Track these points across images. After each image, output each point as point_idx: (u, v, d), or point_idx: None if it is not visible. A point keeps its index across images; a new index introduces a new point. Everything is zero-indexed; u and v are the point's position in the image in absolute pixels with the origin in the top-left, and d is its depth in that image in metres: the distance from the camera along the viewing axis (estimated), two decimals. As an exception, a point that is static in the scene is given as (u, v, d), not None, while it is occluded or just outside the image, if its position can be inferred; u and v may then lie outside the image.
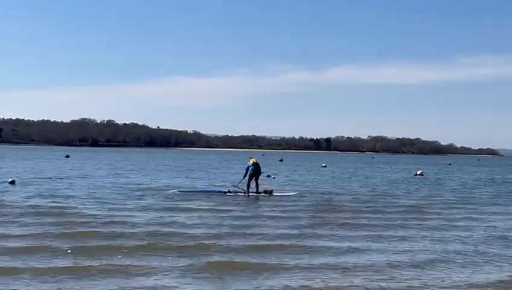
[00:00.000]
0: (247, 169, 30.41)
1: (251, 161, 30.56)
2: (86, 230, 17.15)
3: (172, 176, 47.43)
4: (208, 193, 30.37)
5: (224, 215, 21.71)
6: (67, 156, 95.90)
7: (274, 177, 44.32)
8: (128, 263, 13.02)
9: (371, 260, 13.86)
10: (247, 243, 15.74)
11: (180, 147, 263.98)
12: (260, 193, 29.99)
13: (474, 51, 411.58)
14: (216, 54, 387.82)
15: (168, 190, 31.90)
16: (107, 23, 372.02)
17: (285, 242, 15.91)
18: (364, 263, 13.58)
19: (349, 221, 20.62)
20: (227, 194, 29.84)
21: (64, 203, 24.05)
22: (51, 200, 24.78)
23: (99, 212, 21.17)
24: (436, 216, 22.96)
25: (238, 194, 29.77)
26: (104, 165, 66.67)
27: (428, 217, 22.68)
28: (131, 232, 16.84)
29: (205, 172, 56.70)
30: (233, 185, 30.81)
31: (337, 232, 18.19)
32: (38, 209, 21.74)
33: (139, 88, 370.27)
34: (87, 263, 12.90)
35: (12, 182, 33.92)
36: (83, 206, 22.80)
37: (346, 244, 15.97)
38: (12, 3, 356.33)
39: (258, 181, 30.50)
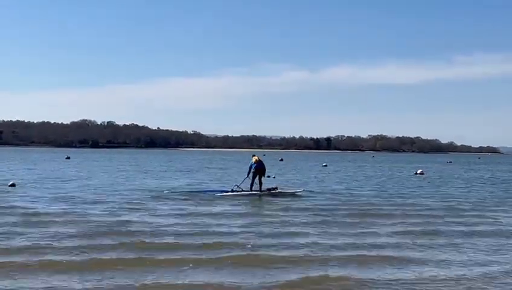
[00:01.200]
0: (250, 167, 30.28)
1: (254, 159, 30.43)
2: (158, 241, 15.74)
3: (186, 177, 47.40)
4: (211, 193, 30.18)
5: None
6: (68, 158, 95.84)
7: (274, 177, 44.26)
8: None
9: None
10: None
11: (181, 147, 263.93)
12: (264, 191, 29.87)
13: (473, 50, 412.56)
14: (215, 54, 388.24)
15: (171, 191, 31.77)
16: (107, 24, 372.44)
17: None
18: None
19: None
20: (232, 193, 29.63)
21: (98, 209, 22.61)
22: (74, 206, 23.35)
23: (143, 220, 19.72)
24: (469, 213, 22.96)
25: (241, 193, 29.52)
26: (118, 167, 66.63)
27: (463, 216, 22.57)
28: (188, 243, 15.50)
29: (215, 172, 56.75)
30: (236, 185, 30.69)
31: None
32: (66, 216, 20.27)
33: (139, 89, 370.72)
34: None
35: (13, 185, 33.80)
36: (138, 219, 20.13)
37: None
38: (12, 4, 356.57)
39: (262, 180, 30.34)
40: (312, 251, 14.65)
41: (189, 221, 19.60)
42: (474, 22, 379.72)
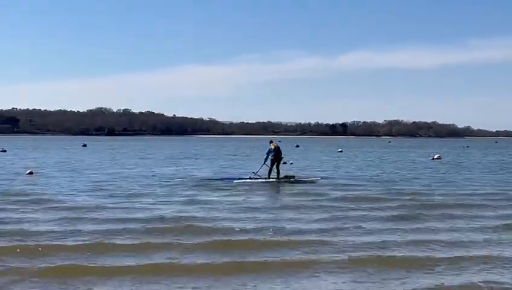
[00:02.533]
0: (268, 153, 30.04)
1: (272, 146, 30.16)
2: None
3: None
4: (228, 180, 30.20)
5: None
6: (84, 145, 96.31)
7: (292, 163, 44.18)
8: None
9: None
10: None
11: (196, 134, 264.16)
12: (281, 179, 29.69)
13: (490, 33, 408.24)
14: (231, 41, 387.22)
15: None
16: (122, 13, 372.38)
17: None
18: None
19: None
20: (249, 180, 29.53)
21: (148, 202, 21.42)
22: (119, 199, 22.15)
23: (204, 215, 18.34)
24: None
25: (258, 180, 29.35)
26: (139, 155, 66.83)
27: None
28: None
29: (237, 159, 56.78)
30: (253, 172, 30.53)
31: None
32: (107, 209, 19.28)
33: (155, 77, 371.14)
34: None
35: (30, 173, 33.97)
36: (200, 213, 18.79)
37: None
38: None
39: (279, 167, 30.17)
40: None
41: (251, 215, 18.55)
42: (491, 5, 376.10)
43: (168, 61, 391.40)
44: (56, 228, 15.59)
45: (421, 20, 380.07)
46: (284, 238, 14.58)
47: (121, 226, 15.95)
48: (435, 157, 60.22)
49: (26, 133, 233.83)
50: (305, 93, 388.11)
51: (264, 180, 29.36)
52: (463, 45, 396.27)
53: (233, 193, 24.89)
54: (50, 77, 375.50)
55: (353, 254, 12.77)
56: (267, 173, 29.85)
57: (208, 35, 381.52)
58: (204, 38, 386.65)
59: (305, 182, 29.76)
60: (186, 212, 18.59)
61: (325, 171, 39.01)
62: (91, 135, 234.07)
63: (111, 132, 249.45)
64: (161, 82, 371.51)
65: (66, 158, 55.47)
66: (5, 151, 68.78)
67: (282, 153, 31.06)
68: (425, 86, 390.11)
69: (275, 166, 29.94)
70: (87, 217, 17.47)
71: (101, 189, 25.88)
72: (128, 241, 13.98)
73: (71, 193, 24.40)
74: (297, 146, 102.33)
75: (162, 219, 17.39)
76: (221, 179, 30.78)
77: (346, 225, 16.45)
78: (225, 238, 14.47)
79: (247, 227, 16.00)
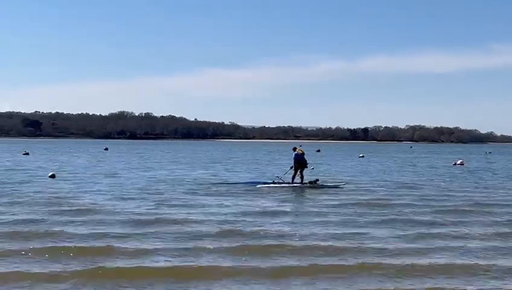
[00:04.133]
0: (295, 159, 30.00)
1: (298, 151, 30.23)
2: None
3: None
4: (252, 184, 30.35)
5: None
6: (106, 149, 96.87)
7: (313, 168, 44.13)
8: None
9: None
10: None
11: (218, 138, 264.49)
12: (305, 184, 29.70)
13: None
14: (252, 45, 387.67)
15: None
16: (144, 16, 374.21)
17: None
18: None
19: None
20: (273, 185, 29.60)
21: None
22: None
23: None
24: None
25: (283, 185, 29.42)
26: (163, 158, 67.12)
27: None
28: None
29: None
30: (277, 176, 30.62)
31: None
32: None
33: (176, 80, 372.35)
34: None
35: (53, 176, 34.16)
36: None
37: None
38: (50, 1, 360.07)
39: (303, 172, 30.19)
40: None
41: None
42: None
43: (190, 64, 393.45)
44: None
45: (444, 24, 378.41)
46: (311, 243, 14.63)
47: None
48: (458, 163, 59.76)
49: (48, 136, 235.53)
50: (327, 97, 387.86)
51: (287, 185, 29.38)
52: (486, 49, 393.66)
53: (258, 197, 24.98)
54: (73, 80, 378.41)
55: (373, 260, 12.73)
56: (290, 178, 29.88)
57: (231, 39, 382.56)
58: (227, 42, 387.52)
59: (329, 186, 29.72)
60: (218, 216, 18.90)
61: (348, 176, 38.92)
62: (113, 138, 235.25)
63: (133, 136, 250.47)
64: (183, 86, 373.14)
65: (88, 161, 55.81)
66: (27, 154, 69.42)
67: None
68: (448, 91, 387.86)
69: (298, 171, 29.92)
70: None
71: (147, 194, 25.75)
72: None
73: (108, 199, 24.42)
74: (319, 151, 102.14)
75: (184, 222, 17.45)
76: (246, 183, 30.97)
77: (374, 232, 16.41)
78: (255, 243, 14.63)
79: (273, 231, 16.13)
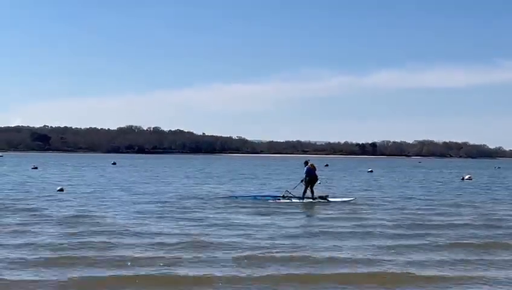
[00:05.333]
0: (307, 173, 29.89)
1: (310, 165, 30.15)
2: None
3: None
4: (263, 197, 30.40)
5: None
6: (114, 163, 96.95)
7: (319, 183, 44.04)
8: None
9: None
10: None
11: (225, 153, 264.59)
12: (315, 198, 29.64)
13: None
14: (260, 60, 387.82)
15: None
16: (152, 32, 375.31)
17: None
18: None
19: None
20: (281, 200, 29.61)
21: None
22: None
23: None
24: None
25: (292, 200, 29.46)
26: (175, 173, 67.14)
27: None
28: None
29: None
30: (287, 191, 30.58)
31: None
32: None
33: (184, 95, 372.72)
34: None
35: (61, 190, 34.21)
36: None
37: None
38: (60, 12, 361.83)
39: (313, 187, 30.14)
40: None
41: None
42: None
43: (198, 79, 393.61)
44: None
45: (452, 39, 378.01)
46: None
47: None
48: (465, 177, 59.61)
49: (57, 150, 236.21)
50: (335, 112, 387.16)
51: (298, 200, 29.36)
52: (495, 64, 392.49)
53: (272, 212, 24.95)
54: (81, 95, 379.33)
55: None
56: (301, 192, 29.85)
57: (238, 54, 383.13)
58: (234, 57, 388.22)
59: (338, 202, 29.65)
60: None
61: (357, 191, 38.81)
62: (121, 152, 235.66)
63: (141, 150, 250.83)
64: (190, 100, 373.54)
65: (98, 176, 55.94)
66: (36, 168, 69.66)
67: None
68: (456, 106, 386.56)
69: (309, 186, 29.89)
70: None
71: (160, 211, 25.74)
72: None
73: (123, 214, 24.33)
74: (327, 165, 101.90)
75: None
76: (255, 197, 30.77)
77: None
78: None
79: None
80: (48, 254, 14.67)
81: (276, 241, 17.03)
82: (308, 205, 28.60)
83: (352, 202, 29.96)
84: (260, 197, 30.67)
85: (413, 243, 17.07)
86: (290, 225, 20.90)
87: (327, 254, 15.12)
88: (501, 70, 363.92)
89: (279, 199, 29.69)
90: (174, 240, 16.75)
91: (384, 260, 14.50)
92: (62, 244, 15.98)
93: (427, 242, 17.20)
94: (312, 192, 29.84)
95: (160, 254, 14.92)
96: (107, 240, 16.62)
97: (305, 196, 29.62)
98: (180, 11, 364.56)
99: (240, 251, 15.50)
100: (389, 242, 17.11)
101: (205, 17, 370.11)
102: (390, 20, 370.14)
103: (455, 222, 21.95)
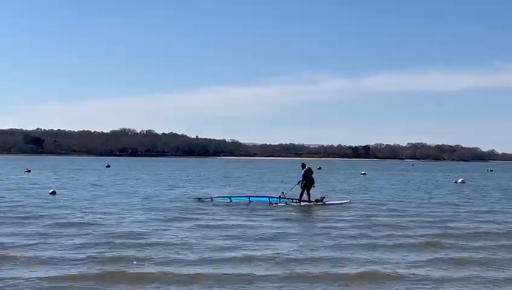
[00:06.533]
0: (304, 176, 29.83)
1: (307, 168, 30.08)
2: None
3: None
4: (260, 200, 30.51)
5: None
6: (108, 166, 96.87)
7: (314, 186, 44.10)
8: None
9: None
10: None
11: (219, 156, 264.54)
12: (312, 201, 29.71)
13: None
14: (254, 63, 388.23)
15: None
16: (146, 35, 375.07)
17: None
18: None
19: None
20: (279, 201, 29.74)
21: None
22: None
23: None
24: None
25: (292, 203, 29.59)
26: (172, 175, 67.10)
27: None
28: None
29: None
30: (282, 192, 30.85)
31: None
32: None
33: (177, 98, 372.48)
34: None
35: (53, 193, 34.14)
36: None
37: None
38: (52, 18, 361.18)
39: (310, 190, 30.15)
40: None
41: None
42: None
43: (192, 82, 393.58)
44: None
45: (446, 43, 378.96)
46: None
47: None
48: (459, 181, 59.78)
49: (50, 153, 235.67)
50: (329, 115, 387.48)
51: (295, 203, 29.48)
52: (489, 67, 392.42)
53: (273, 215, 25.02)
54: (75, 97, 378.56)
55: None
56: (297, 194, 29.94)
57: (232, 57, 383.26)
58: (228, 60, 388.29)
59: (334, 204, 29.74)
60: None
61: (351, 193, 38.92)
62: (115, 155, 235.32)
63: (134, 153, 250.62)
64: (184, 103, 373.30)
65: (99, 178, 55.92)
66: (29, 171, 69.54)
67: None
68: (449, 109, 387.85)
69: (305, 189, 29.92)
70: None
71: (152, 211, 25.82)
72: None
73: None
74: (320, 168, 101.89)
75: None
76: (254, 201, 30.63)
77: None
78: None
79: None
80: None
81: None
82: (305, 207, 28.64)
83: (346, 204, 30.06)
84: (256, 198, 30.92)
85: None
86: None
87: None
88: (495, 74, 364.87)
89: (278, 204, 29.57)
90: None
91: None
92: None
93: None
94: (309, 195, 29.83)
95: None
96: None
97: (302, 199, 29.63)
98: (175, 15, 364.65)
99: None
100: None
101: (200, 20, 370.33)
102: (384, 24, 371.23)
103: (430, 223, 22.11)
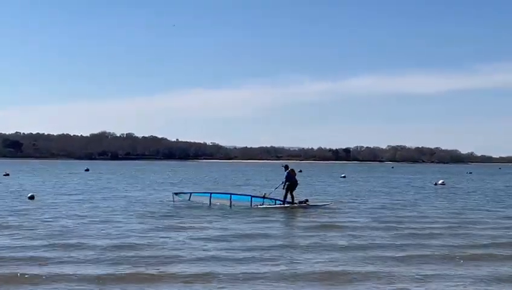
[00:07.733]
0: (287, 178, 29.83)
1: (290, 170, 30.16)
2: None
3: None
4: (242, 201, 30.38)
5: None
6: (87, 170, 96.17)
7: (298, 186, 44.31)
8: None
9: None
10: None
11: (200, 159, 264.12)
12: (295, 203, 29.73)
13: (494, 58, 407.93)
14: (234, 65, 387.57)
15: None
16: (124, 36, 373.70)
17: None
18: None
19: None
20: (263, 201, 29.75)
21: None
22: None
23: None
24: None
25: (276, 205, 29.64)
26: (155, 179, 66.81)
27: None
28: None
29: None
30: (265, 193, 30.86)
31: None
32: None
33: (157, 101, 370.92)
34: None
35: (31, 197, 33.67)
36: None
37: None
38: (32, 19, 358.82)
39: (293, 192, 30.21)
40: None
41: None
42: (495, 30, 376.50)
43: (172, 85, 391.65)
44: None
45: (425, 46, 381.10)
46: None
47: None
48: (439, 183, 60.14)
49: (29, 157, 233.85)
50: (309, 117, 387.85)
51: (278, 205, 29.52)
52: (467, 69, 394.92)
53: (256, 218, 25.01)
54: (54, 101, 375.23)
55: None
56: (281, 196, 29.95)
57: (213, 59, 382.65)
58: (209, 62, 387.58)
59: (317, 206, 29.84)
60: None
61: (332, 195, 39.14)
62: (94, 159, 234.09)
63: (114, 156, 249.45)
64: (164, 106, 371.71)
65: (67, 181, 55.59)
66: (8, 175, 68.92)
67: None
68: (428, 112, 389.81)
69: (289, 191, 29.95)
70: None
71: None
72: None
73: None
74: (300, 171, 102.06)
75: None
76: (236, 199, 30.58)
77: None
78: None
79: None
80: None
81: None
82: (289, 209, 28.77)
83: (327, 206, 30.18)
84: (238, 199, 30.83)
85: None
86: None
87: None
88: (473, 76, 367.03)
89: (262, 205, 29.56)
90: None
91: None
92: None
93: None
94: (292, 197, 29.89)
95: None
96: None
97: (285, 201, 29.65)
98: (155, 17, 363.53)
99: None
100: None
101: (180, 22, 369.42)
102: (364, 27, 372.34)
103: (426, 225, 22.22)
